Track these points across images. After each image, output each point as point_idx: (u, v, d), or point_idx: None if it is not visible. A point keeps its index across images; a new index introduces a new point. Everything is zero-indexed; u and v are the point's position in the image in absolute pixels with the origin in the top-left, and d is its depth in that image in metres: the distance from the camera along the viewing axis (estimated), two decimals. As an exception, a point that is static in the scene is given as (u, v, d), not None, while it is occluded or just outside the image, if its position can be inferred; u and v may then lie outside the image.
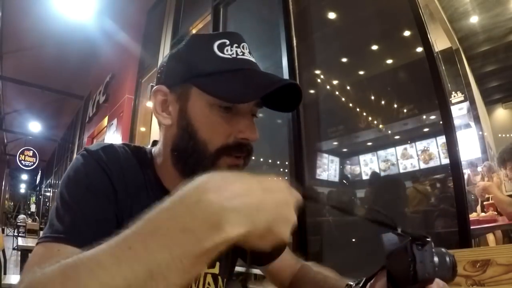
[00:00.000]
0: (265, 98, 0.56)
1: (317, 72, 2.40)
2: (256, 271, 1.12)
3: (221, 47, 0.56)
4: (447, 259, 0.44)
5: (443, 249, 0.45)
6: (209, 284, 0.64)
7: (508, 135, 5.27)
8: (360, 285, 0.57)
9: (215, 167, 0.54)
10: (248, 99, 0.53)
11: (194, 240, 0.31)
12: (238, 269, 0.78)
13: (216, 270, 0.66)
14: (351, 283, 0.61)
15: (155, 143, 0.66)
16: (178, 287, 0.31)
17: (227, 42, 0.56)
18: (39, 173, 15.94)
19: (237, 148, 0.55)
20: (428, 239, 0.43)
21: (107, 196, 0.54)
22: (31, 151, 11.33)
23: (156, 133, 0.78)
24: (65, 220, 0.50)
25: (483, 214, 2.00)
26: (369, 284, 0.55)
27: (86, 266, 0.32)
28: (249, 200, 0.33)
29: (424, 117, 2.01)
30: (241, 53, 0.57)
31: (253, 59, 0.58)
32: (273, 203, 0.34)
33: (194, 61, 0.56)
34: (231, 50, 0.56)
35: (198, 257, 0.31)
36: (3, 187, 15.46)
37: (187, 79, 0.56)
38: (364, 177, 2.29)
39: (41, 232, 0.56)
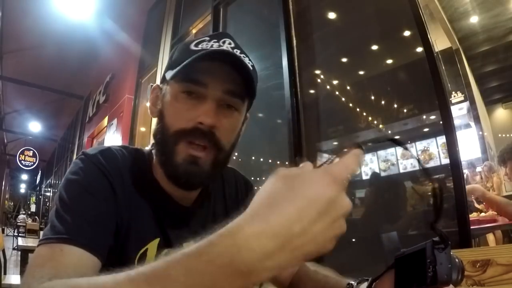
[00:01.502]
0: (234, 84, 0.56)
1: (317, 72, 2.40)
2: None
3: (198, 44, 0.58)
4: (457, 262, 0.44)
5: (452, 252, 0.45)
6: None
7: (508, 135, 5.27)
8: (362, 284, 0.57)
9: (174, 153, 0.56)
10: (199, 82, 0.55)
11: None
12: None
13: None
14: (352, 283, 0.61)
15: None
16: None
17: (207, 39, 0.59)
18: (39, 173, 15.94)
19: (194, 133, 0.55)
20: (449, 242, 0.43)
21: (106, 198, 0.55)
22: (31, 151, 11.33)
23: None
24: (67, 221, 0.50)
25: (483, 214, 2.00)
26: (374, 284, 0.55)
27: None
28: (289, 249, 0.28)
29: (424, 117, 2.01)
30: (217, 46, 0.57)
31: (231, 51, 0.57)
32: (320, 233, 0.29)
33: (174, 58, 0.61)
34: (206, 45, 0.57)
35: None
36: (3, 187, 15.46)
37: (167, 74, 0.60)
38: (364, 177, 2.29)
39: (41, 233, 0.56)
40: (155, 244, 0.59)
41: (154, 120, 0.64)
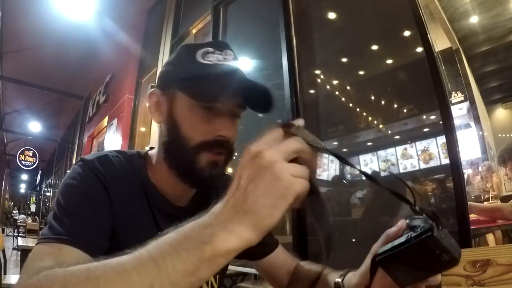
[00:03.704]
0: (246, 100, 0.62)
1: (317, 72, 2.40)
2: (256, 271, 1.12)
3: (204, 55, 0.62)
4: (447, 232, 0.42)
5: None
6: None
7: (508, 135, 5.27)
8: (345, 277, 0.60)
9: (196, 162, 0.61)
10: (218, 100, 0.60)
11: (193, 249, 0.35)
12: (237, 269, 0.79)
13: None
14: (338, 280, 0.62)
15: (152, 149, 0.72)
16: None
17: (210, 49, 0.62)
18: (39, 173, 15.94)
19: (216, 144, 0.60)
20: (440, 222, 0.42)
21: (102, 203, 0.58)
22: (31, 151, 11.34)
23: (156, 133, 0.80)
24: (65, 224, 0.53)
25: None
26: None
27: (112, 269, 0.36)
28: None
29: (424, 117, 2.01)
30: (223, 59, 0.62)
31: (235, 64, 0.63)
32: (266, 206, 0.35)
33: (180, 68, 0.64)
34: (212, 57, 0.61)
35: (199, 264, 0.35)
36: (3, 187, 15.45)
37: (173, 83, 0.63)
38: (364, 177, 2.29)
39: (40, 233, 0.58)
40: None
41: (155, 123, 0.66)
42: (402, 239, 0.44)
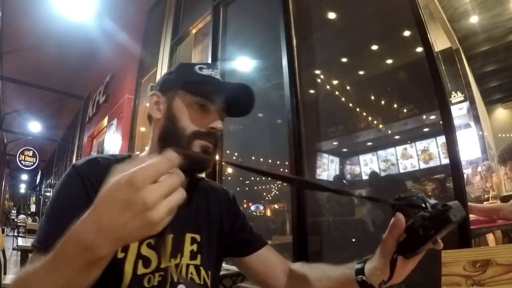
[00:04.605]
0: (229, 107, 0.76)
1: (317, 72, 2.40)
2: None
3: (201, 69, 0.77)
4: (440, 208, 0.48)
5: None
6: (192, 273, 0.72)
7: (508, 135, 5.28)
8: (366, 264, 0.63)
9: (190, 147, 0.71)
10: (216, 97, 0.74)
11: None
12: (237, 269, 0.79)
13: (198, 261, 0.73)
14: (359, 267, 0.65)
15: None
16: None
17: (205, 66, 0.78)
18: (39, 173, 15.94)
19: (208, 135, 0.72)
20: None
21: (83, 206, 0.59)
22: (31, 151, 11.33)
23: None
24: (43, 230, 0.61)
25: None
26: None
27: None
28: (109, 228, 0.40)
29: (424, 117, 2.01)
30: (214, 74, 0.78)
31: (221, 79, 0.79)
32: (124, 224, 0.39)
33: (182, 75, 0.78)
34: (207, 71, 0.77)
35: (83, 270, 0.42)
36: (3, 187, 15.46)
37: (176, 86, 0.76)
38: (364, 177, 2.29)
39: None
40: None
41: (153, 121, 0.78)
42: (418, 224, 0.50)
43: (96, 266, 0.43)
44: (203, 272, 0.73)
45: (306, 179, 0.68)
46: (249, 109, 0.78)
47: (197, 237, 0.75)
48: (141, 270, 0.65)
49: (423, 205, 0.49)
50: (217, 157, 0.72)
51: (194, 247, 0.74)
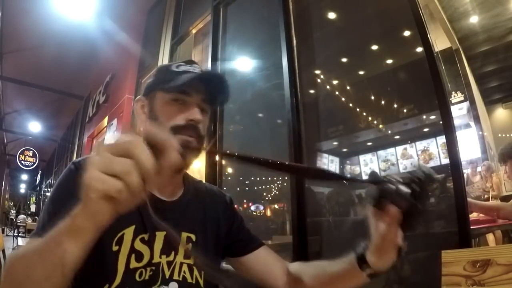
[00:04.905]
0: (210, 95, 0.77)
1: (317, 72, 2.40)
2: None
3: (178, 67, 0.79)
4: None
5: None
6: (184, 272, 0.73)
7: (508, 135, 5.28)
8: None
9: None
10: (189, 88, 0.75)
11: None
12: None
13: (191, 261, 0.74)
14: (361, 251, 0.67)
15: None
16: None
17: (183, 64, 0.80)
18: (39, 173, 15.94)
19: (187, 128, 0.73)
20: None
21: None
22: (31, 151, 11.33)
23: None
24: (43, 221, 0.64)
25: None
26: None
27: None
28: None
29: (424, 117, 2.01)
30: (192, 69, 0.78)
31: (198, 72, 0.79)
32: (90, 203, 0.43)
33: (159, 76, 0.81)
34: (184, 67, 0.78)
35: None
36: (3, 187, 15.46)
37: (155, 88, 0.79)
38: (364, 177, 2.29)
39: None
40: (131, 230, 0.69)
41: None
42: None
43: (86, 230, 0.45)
44: (195, 272, 0.74)
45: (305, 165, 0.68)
46: (223, 92, 0.79)
47: (193, 236, 0.76)
48: (133, 264, 0.66)
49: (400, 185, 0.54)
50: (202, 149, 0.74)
51: (189, 246, 0.75)
